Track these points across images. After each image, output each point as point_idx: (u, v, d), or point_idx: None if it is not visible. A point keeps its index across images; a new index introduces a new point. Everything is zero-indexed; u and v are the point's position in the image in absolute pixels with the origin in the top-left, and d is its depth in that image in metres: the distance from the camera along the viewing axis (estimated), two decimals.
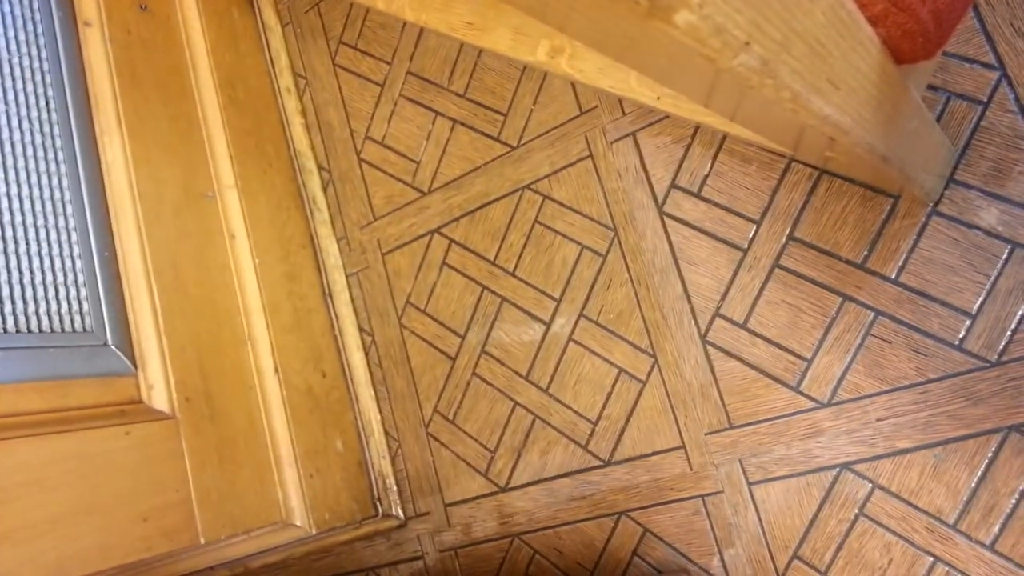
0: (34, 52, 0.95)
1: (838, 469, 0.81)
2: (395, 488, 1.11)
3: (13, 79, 0.92)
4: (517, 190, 1.01)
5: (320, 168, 1.19)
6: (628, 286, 0.93)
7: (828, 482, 0.81)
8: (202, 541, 0.87)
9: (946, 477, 0.76)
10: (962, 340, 0.75)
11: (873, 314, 0.80)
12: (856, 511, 0.80)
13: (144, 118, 1.01)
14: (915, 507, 0.77)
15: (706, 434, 0.88)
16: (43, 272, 0.88)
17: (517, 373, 1.00)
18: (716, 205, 0.88)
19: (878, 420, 0.79)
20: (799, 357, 0.83)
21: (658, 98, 0.87)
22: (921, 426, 0.77)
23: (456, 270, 1.06)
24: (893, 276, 0.79)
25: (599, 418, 0.94)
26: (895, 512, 0.78)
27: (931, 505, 0.77)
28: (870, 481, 0.79)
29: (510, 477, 1.01)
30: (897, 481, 0.78)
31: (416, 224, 1.09)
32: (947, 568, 0.75)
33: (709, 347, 0.88)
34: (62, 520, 0.77)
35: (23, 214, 0.88)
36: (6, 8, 0.94)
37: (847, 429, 0.80)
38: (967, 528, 0.75)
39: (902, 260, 0.78)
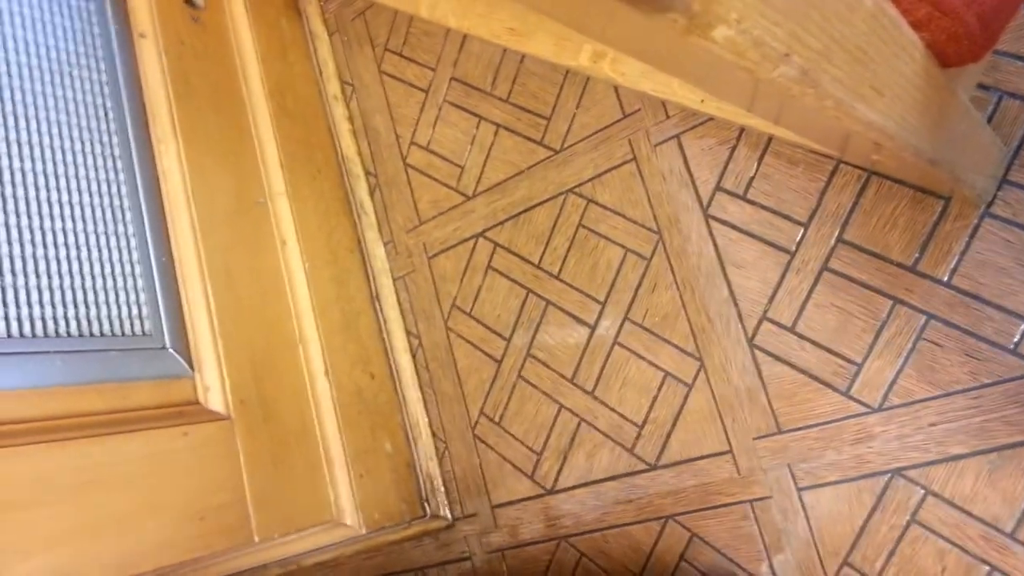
0: (92, 64, 0.99)
1: (889, 475, 0.79)
2: (443, 489, 1.12)
3: (73, 90, 0.95)
4: (561, 194, 1.01)
5: (367, 173, 1.21)
6: (673, 289, 0.92)
7: (879, 488, 0.80)
8: (256, 539, 0.89)
9: (1002, 484, 0.74)
10: (1017, 344, 0.74)
11: (925, 318, 0.78)
12: (908, 517, 0.78)
13: (198, 127, 1.04)
14: (970, 514, 0.75)
15: (754, 439, 0.87)
16: (104, 278, 0.91)
17: (562, 376, 1.01)
18: (762, 207, 0.87)
19: (931, 425, 0.77)
20: (849, 361, 0.82)
21: (702, 101, 0.86)
22: (975, 432, 0.75)
23: (501, 273, 1.07)
24: (945, 279, 0.77)
25: (645, 421, 0.94)
26: (949, 519, 0.76)
27: (987, 512, 0.75)
28: (922, 487, 0.78)
29: (556, 479, 1.01)
30: (951, 488, 0.76)
31: (461, 228, 1.10)
32: None
33: (757, 351, 0.87)
34: (124, 518, 0.79)
35: (84, 221, 0.91)
36: (67, 23, 0.98)
37: (899, 434, 0.79)
38: None
39: (954, 263, 0.77)
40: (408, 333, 1.16)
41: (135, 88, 1.02)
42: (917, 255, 0.79)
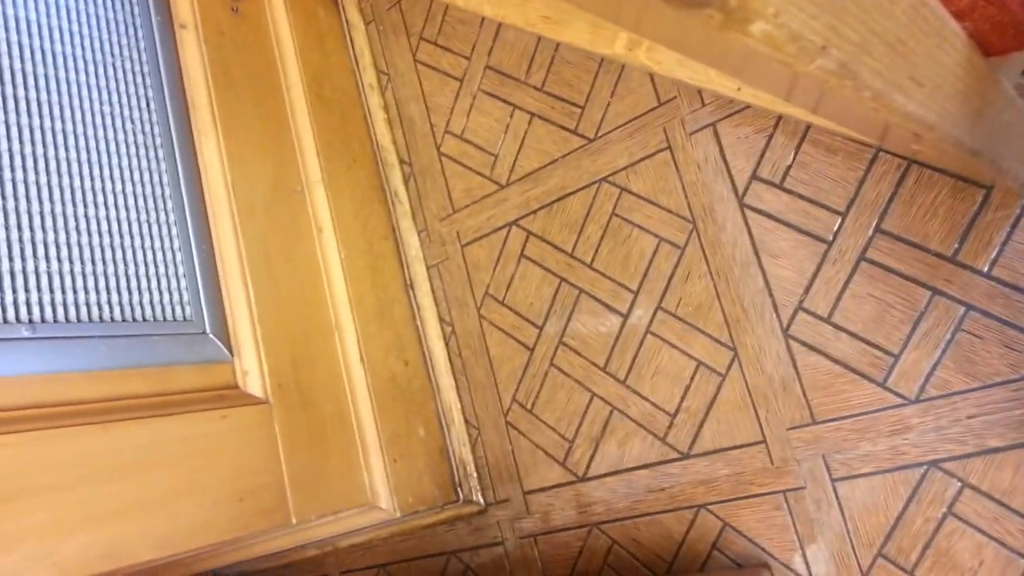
0: (135, 55, 1.01)
1: (926, 467, 0.79)
2: (475, 475, 1.13)
3: (116, 81, 0.97)
4: (595, 182, 1.01)
5: (402, 162, 1.22)
6: (707, 279, 0.92)
7: (915, 480, 0.79)
8: (294, 521, 0.90)
9: None
10: None
11: (964, 309, 0.77)
12: (944, 510, 0.78)
13: (237, 117, 1.05)
14: (1008, 508, 0.75)
15: (788, 429, 0.87)
16: (146, 265, 0.93)
17: (595, 364, 1.01)
18: (799, 196, 0.86)
19: (968, 417, 0.76)
20: (886, 352, 0.81)
21: (738, 89, 0.86)
22: (1014, 424, 0.74)
23: (534, 262, 1.07)
24: (985, 270, 0.76)
25: (677, 411, 0.94)
26: (986, 512, 0.76)
27: None
28: (959, 480, 0.77)
29: (588, 467, 1.02)
30: (988, 480, 0.76)
31: (494, 216, 1.11)
32: None
33: (791, 341, 0.86)
34: (166, 498, 0.81)
35: (127, 210, 0.93)
36: (109, 14, 0.99)
37: (935, 426, 0.78)
38: None
39: (995, 253, 0.75)
40: (441, 321, 1.17)
41: (176, 78, 1.04)
42: (957, 245, 0.78)
